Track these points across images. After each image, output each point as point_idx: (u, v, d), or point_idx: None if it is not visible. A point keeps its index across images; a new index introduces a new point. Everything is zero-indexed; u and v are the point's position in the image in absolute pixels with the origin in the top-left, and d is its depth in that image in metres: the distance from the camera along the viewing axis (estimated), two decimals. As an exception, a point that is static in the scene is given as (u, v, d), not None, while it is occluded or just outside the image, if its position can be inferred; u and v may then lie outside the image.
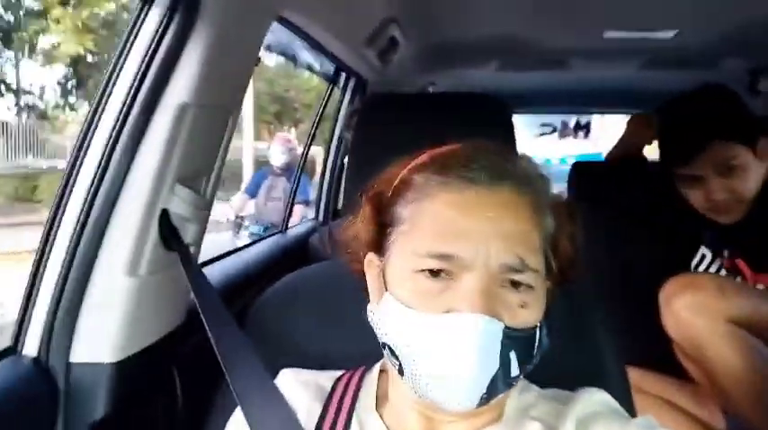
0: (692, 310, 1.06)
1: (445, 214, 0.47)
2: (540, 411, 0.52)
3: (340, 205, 1.92)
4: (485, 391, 0.45)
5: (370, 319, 0.51)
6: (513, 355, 0.45)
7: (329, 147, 1.91)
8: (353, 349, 0.62)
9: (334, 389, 0.56)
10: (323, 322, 0.67)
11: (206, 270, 0.70)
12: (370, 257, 0.53)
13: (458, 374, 0.44)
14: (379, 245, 0.51)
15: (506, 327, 0.44)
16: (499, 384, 0.46)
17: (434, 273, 0.46)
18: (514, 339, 0.45)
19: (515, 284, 0.46)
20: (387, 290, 0.49)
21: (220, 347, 0.59)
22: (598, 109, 2.32)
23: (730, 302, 1.07)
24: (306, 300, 0.69)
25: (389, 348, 0.48)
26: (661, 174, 1.23)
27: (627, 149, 1.59)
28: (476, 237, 0.46)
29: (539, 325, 0.47)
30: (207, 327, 0.61)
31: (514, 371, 0.46)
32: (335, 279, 0.67)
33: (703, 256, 1.36)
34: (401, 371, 0.48)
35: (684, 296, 1.08)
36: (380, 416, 0.53)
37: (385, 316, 0.48)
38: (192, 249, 0.81)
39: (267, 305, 0.70)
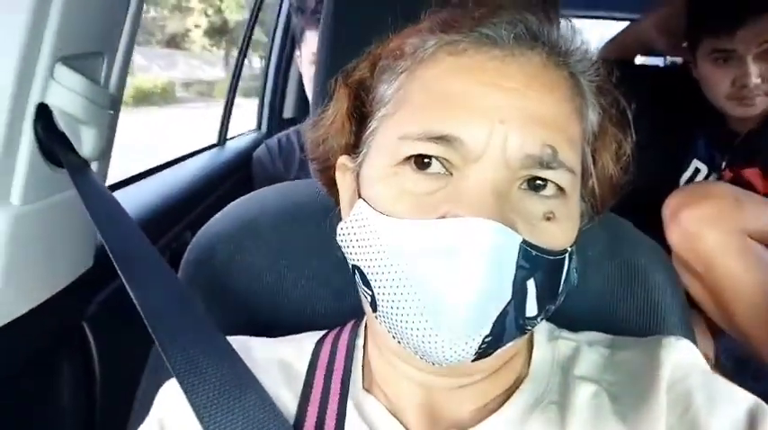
0: (705, 222, 1.01)
1: (446, 82, 0.37)
2: (587, 367, 0.42)
3: (287, 113, 1.73)
4: (488, 333, 0.34)
5: (339, 241, 0.41)
6: (531, 286, 0.35)
7: (272, 41, 1.66)
8: (328, 298, 0.54)
9: (314, 361, 0.44)
10: (287, 263, 0.56)
11: (119, 196, 0.49)
12: (343, 160, 0.43)
13: (453, 302, 0.33)
14: (356, 144, 0.42)
15: (526, 243, 0.34)
16: (509, 325, 0.35)
17: (425, 164, 0.36)
18: (535, 262, 0.35)
19: (541, 188, 0.36)
20: (360, 195, 0.39)
21: (144, 300, 0.43)
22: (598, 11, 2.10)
23: (747, 214, 1.01)
24: (261, 234, 0.56)
25: (360, 272, 0.38)
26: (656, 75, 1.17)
27: (623, 51, 1.46)
28: (491, 115, 0.35)
29: (569, 250, 0.37)
30: (121, 275, 0.44)
31: (531, 308, 0.36)
32: (299, 205, 0.56)
33: (697, 170, 1.31)
34: (374, 306, 0.37)
35: (698, 207, 1.02)
36: (369, 391, 0.43)
37: (356, 229, 0.39)
38: (94, 166, 0.59)
39: (208, 241, 0.57)
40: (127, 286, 0.42)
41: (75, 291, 0.63)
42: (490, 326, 0.34)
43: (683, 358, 0.40)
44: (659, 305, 0.52)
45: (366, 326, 0.47)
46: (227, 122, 1.50)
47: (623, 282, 0.53)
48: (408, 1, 0.43)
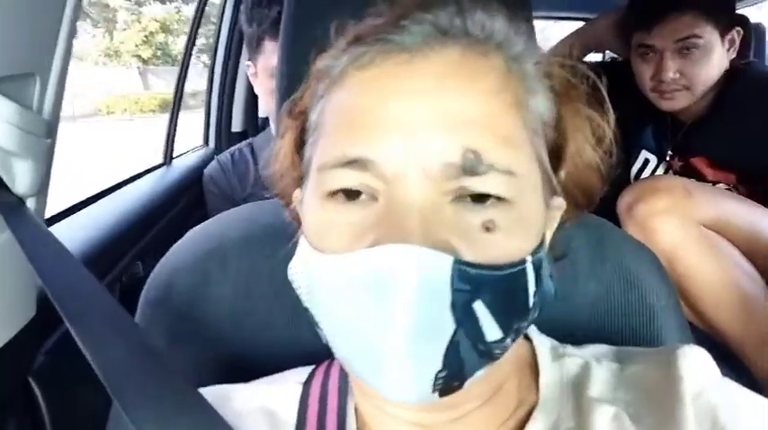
0: (660, 216, 1.04)
1: (355, 100, 0.35)
2: (600, 387, 0.40)
3: (235, 126, 1.68)
4: (440, 368, 0.32)
5: (291, 281, 0.39)
6: (480, 308, 0.32)
7: (215, 51, 1.60)
8: (309, 327, 0.47)
9: (303, 409, 0.41)
10: (260, 292, 0.52)
11: (58, 230, 0.45)
12: (296, 194, 0.42)
13: (386, 343, 0.31)
14: (304, 176, 0.40)
15: (460, 263, 0.31)
16: (466, 354, 0.32)
17: (351, 194, 0.34)
18: (478, 282, 0.31)
19: (480, 198, 0.33)
20: (303, 232, 0.38)
21: (97, 355, 0.37)
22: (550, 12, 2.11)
23: (699, 204, 1.04)
24: (228, 262, 0.53)
25: (310, 314, 0.37)
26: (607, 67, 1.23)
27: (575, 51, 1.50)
28: (400, 128, 0.32)
29: (529, 258, 0.34)
30: (69, 325, 0.39)
31: (491, 332, 0.32)
32: (267, 227, 0.53)
33: (646, 161, 1.35)
34: (329, 347, 0.36)
35: (650, 201, 1.04)
36: None
37: (300, 267, 0.37)
38: (30, 202, 0.54)
39: (168, 275, 0.53)
40: (77, 339, 0.37)
41: (17, 344, 0.57)
42: (440, 360, 0.31)
43: (700, 369, 0.38)
44: (655, 309, 0.52)
45: None
46: (173, 139, 1.43)
47: (617, 286, 0.52)
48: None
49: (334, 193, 0.34)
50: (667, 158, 1.28)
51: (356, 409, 0.41)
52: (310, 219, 0.36)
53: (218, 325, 0.52)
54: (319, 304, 0.35)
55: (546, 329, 0.45)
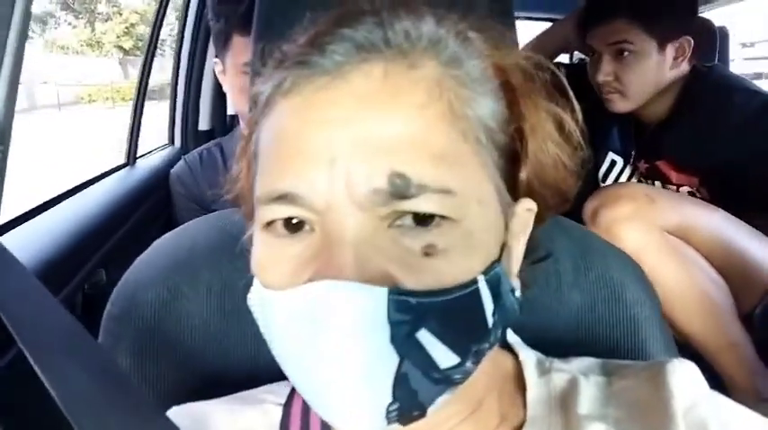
0: (623, 223, 1.05)
1: (279, 130, 0.34)
2: (589, 403, 0.39)
3: (202, 124, 1.64)
4: (390, 400, 0.31)
5: (251, 311, 0.37)
6: (426, 337, 0.31)
7: (180, 47, 1.56)
8: None
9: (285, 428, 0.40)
10: (232, 306, 0.51)
11: (14, 238, 0.43)
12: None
13: (329, 382, 0.31)
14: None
15: (396, 293, 0.30)
16: (418, 384, 0.31)
17: (291, 226, 0.33)
18: (419, 310, 0.30)
19: (423, 220, 0.32)
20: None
21: (57, 382, 0.34)
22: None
23: (661, 210, 1.07)
24: (199, 274, 0.51)
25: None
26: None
27: (544, 52, 1.51)
28: (322, 159, 0.32)
29: (481, 277, 0.33)
30: (25, 351, 0.36)
31: (444, 358, 0.32)
32: (241, 237, 0.49)
33: (613, 163, 1.38)
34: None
35: (613, 208, 1.06)
36: None
37: (254, 301, 0.36)
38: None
39: (133, 288, 0.51)
40: (32, 362, 0.34)
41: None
42: (389, 393, 0.31)
43: (690, 384, 0.38)
44: (638, 320, 0.52)
45: None
46: (136, 138, 1.38)
47: (600, 297, 0.52)
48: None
49: (271, 224, 0.33)
50: (634, 160, 1.30)
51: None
52: (254, 252, 0.35)
53: (189, 342, 0.50)
54: (270, 338, 0.35)
55: (528, 340, 0.44)
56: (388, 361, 0.30)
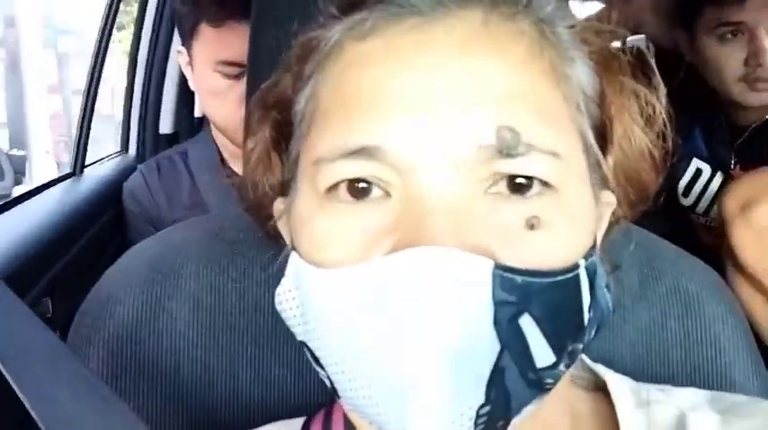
0: None
1: (354, 76, 0.35)
2: None
3: (164, 127, 1.65)
4: (483, 402, 0.31)
5: (278, 310, 0.39)
6: (528, 324, 0.31)
7: (138, 38, 1.58)
8: (289, 366, 0.50)
9: None
10: (224, 323, 0.52)
11: None
12: (278, 204, 0.42)
13: (414, 376, 0.30)
14: (291, 177, 0.40)
15: (502, 268, 0.31)
16: (513, 385, 0.32)
17: (362, 190, 0.33)
18: (525, 290, 0.31)
19: (520, 188, 0.33)
20: (292, 245, 0.38)
21: (31, 393, 0.35)
22: None
23: None
24: (183, 285, 0.52)
25: (308, 349, 0.37)
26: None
27: None
28: (416, 108, 0.32)
29: (582, 262, 0.34)
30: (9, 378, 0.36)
31: (542, 355, 0.32)
32: (234, 244, 0.53)
33: (698, 172, 1.34)
34: (333, 390, 0.36)
35: None
36: None
37: (292, 291, 0.37)
38: None
39: (103, 305, 0.52)
40: (12, 383, 0.34)
41: None
42: (483, 392, 0.31)
43: None
44: (720, 340, 0.52)
45: None
46: (85, 143, 1.39)
47: (673, 313, 0.53)
48: None
49: (334, 189, 0.34)
50: (731, 168, 1.26)
51: None
52: (306, 228, 0.35)
53: (172, 368, 0.50)
54: (321, 334, 0.34)
55: None
56: (489, 349, 0.30)
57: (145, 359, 0.50)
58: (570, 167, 0.34)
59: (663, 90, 0.40)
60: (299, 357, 0.51)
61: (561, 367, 0.33)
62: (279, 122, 0.41)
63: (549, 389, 0.34)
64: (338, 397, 0.36)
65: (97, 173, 1.47)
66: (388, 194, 0.33)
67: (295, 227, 0.37)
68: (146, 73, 1.64)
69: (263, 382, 0.51)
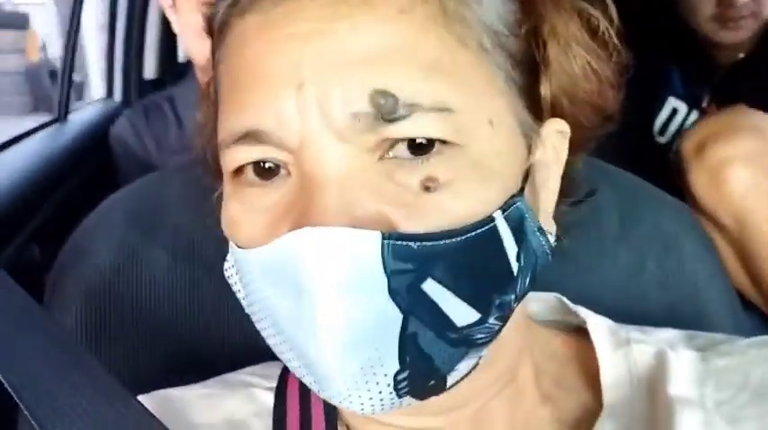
0: (741, 161, 0.99)
1: (237, 56, 0.34)
2: (682, 383, 0.39)
3: (148, 73, 1.62)
4: (398, 368, 0.32)
5: (228, 280, 0.39)
6: (434, 287, 0.31)
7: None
8: None
9: (280, 414, 0.41)
10: (205, 271, 0.52)
11: None
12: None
13: (319, 352, 0.31)
14: None
15: (392, 237, 0.30)
16: (431, 346, 0.32)
17: (264, 172, 0.33)
18: (423, 256, 0.31)
19: (419, 149, 0.31)
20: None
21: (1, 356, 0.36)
22: None
23: None
24: (167, 235, 0.52)
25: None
26: None
27: None
28: (285, 80, 0.31)
29: (499, 214, 0.33)
30: None
31: (461, 314, 0.32)
32: (206, 194, 0.50)
33: (674, 111, 1.36)
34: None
35: (731, 141, 0.99)
36: None
37: (229, 265, 0.39)
38: None
39: (82, 252, 0.52)
40: None
41: None
42: (395, 359, 0.31)
43: None
44: (698, 280, 0.53)
45: None
46: (68, 88, 1.37)
47: (652, 253, 0.53)
48: None
49: (240, 172, 0.34)
50: (704, 105, 1.28)
51: (341, 417, 0.41)
52: (224, 209, 0.36)
53: (152, 316, 0.51)
54: (252, 309, 0.36)
55: None
56: (390, 319, 0.30)
57: (124, 310, 0.51)
58: (473, 116, 0.32)
59: (610, 2, 0.38)
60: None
61: (491, 321, 0.33)
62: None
63: (486, 343, 0.34)
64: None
65: (81, 118, 1.46)
66: (289, 174, 0.33)
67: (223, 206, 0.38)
68: (127, 18, 1.62)
69: (243, 330, 0.51)
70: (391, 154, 0.31)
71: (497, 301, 0.33)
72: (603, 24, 0.38)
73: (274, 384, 0.42)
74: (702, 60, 1.26)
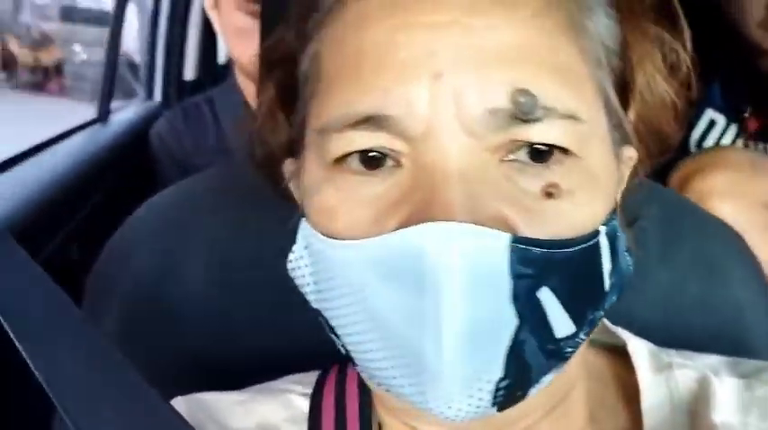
0: (719, 196, 1.01)
1: (357, 37, 0.33)
2: (725, 409, 0.38)
3: (188, 74, 1.64)
4: (501, 376, 0.31)
5: (291, 275, 0.38)
6: (547, 296, 0.31)
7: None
8: (304, 319, 0.46)
9: (315, 423, 0.41)
10: (240, 277, 0.52)
11: None
12: (288, 165, 0.41)
13: (431, 352, 0.30)
14: (298, 141, 0.39)
15: (519, 241, 0.30)
16: (532, 357, 0.32)
17: (373, 159, 0.32)
18: (543, 263, 0.31)
19: (539, 155, 0.31)
20: (301, 211, 0.37)
21: (36, 353, 0.36)
22: None
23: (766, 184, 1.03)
24: (204, 240, 0.52)
25: (322, 317, 0.36)
26: None
27: None
28: (423, 70, 0.31)
29: (602, 229, 0.33)
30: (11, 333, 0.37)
31: (561, 325, 0.32)
32: (249, 199, 0.52)
33: (712, 123, 1.33)
34: (349, 357, 0.36)
35: (707, 177, 1.02)
36: None
37: (304, 259, 0.36)
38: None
39: (122, 257, 0.53)
40: (17, 343, 0.35)
41: None
42: (501, 366, 0.31)
43: None
44: (742, 304, 0.51)
45: None
46: (110, 88, 1.40)
47: (695, 275, 0.52)
48: None
49: (342, 160, 0.33)
50: (745, 116, 1.25)
51: (376, 423, 0.41)
52: (314, 198, 0.35)
53: (188, 317, 0.51)
54: (335, 305, 0.34)
55: None
56: (507, 324, 0.30)
57: (161, 313, 0.51)
58: (590, 129, 0.33)
59: (687, 34, 0.38)
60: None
61: (581, 336, 0.33)
62: (284, 82, 0.39)
63: (569, 358, 0.34)
64: (354, 365, 0.36)
65: (122, 119, 1.48)
66: (398, 164, 0.32)
67: (304, 194, 0.37)
68: (169, 19, 1.64)
69: (282, 334, 0.51)
70: (511, 156, 0.31)
71: (590, 316, 0.33)
72: (683, 56, 0.38)
73: (310, 390, 0.42)
74: (745, 71, 1.23)
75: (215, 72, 1.77)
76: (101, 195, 1.15)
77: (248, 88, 1.22)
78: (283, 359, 0.50)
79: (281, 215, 0.51)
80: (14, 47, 5.00)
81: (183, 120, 1.30)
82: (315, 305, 0.36)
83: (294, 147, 0.39)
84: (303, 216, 0.36)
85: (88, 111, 1.44)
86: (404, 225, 0.30)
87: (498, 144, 0.31)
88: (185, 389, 0.43)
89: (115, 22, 1.41)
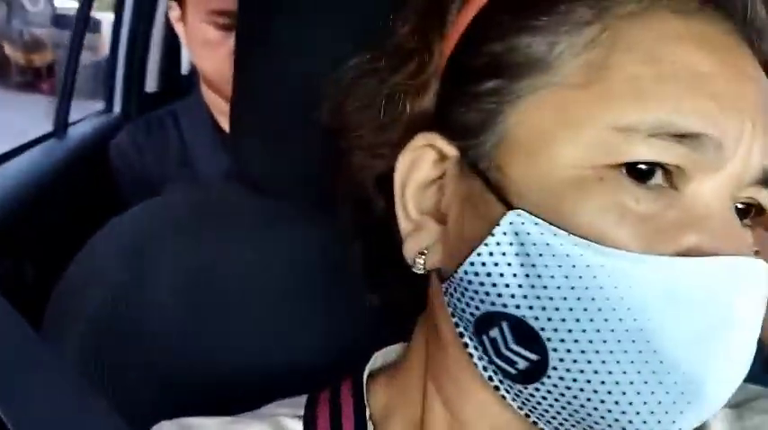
0: None
1: (684, 56, 0.34)
2: None
3: (149, 86, 1.62)
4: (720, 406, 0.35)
5: (475, 270, 0.34)
6: None
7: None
8: (285, 344, 0.51)
9: None
10: (215, 305, 0.51)
11: None
12: (432, 139, 0.38)
13: (717, 376, 0.32)
14: (442, 119, 0.37)
15: None
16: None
17: (646, 173, 0.32)
18: None
19: (742, 215, 0.35)
20: (512, 206, 0.34)
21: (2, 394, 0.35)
22: None
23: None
24: (171, 261, 0.51)
25: (518, 327, 0.33)
26: None
27: None
28: (743, 112, 0.33)
29: None
30: None
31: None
32: (225, 216, 0.53)
33: None
34: (535, 373, 0.33)
35: None
36: None
37: (508, 256, 0.33)
38: None
39: (86, 279, 0.51)
40: None
41: None
42: (726, 398, 0.34)
43: None
44: None
45: (370, 388, 0.43)
46: (68, 101, 1.36)
47: None
48: None
49: (622, 166, 0.32)
50: None
51: None
52: (574, 195, 0.33)
53: (156, 340, 0.50)
54: (588, 317, 0.32)
55: None
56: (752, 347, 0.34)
57: (129, 335, 0.50)
58: None
59: None
60: (296, 331, 0.51)
61: None
62: (456, 50, 0.38)
63: None
64: (530, 381, 0.34)
65: (80, 132, 1.45)
66: (674, 188, 0.33)
67: (524, 188, 0.34)
68: (131, 29, 1.61)
69: (253, 355, 0.51)
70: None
71: None
72: None
73: (301, 412, 0.42)
74: None
75: (178, 84, 1.74)
76: (58, 210, 1.12)
77: (213, 100, 1.21)
78: (253, 379, 0.50)
79: (246, 233, 0.51)
80: (8, 50, 5.58)
81: (146, 133, 1.27)
82: (499, 309, 0.34)
83: (442, 125, 0.37)
84: (511, 208, 0.33)
85: (75, 110, 1.45)
86: (693, 253, 0.31)
87: (737, 198, 0.34)
88: (155, 412, 0.42)
89: (72, 39, 1.38)
